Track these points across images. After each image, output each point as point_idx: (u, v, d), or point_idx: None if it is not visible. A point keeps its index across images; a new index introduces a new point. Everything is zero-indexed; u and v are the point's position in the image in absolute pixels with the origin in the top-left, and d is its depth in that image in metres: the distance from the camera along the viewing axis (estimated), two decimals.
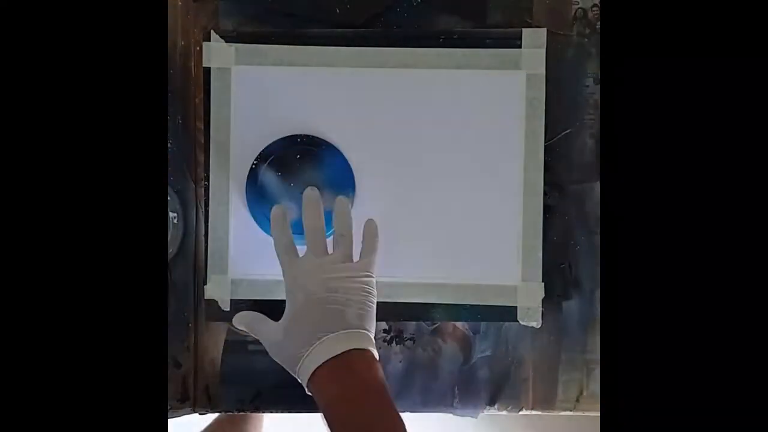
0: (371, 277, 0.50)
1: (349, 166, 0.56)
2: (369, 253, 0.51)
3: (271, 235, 0.51)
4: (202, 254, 0.57)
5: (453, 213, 0.56)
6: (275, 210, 0.51)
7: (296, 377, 0.48)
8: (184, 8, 0.57)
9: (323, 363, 0.46)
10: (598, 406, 0.50)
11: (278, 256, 0.51)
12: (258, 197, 0.55)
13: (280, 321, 0.50)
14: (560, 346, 0.57)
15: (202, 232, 0.57)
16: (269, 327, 0.51)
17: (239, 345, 0.57)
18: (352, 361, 0.46)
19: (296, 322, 0.48)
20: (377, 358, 0.48)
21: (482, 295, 0.56)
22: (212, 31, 0.56)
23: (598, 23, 0.57)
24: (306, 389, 0.48)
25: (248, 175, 0.55)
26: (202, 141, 0.57)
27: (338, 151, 0.56)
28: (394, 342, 0.57)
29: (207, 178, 0.56)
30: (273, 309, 0.56)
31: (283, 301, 0.56)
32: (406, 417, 0.48)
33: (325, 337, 0.46)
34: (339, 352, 0.46)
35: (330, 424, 0.46)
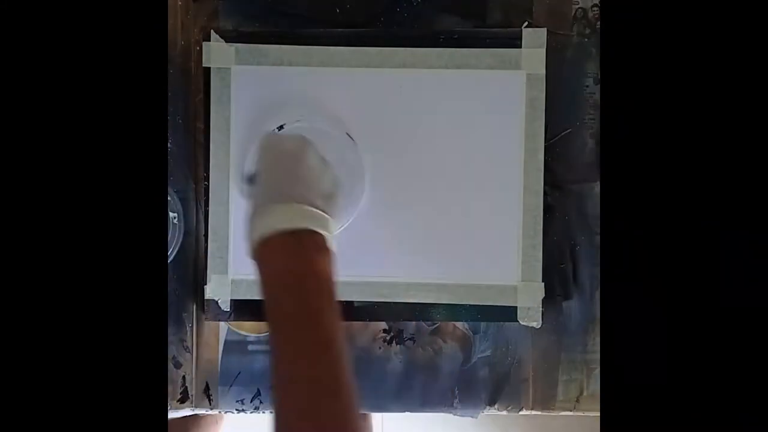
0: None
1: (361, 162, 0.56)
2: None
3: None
4: (202, 254, 0.57)
5: (453, 213, 0.56)
6: None
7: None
8: (184, 8, 0.57)
9: (274, 233, 0.41)
10: (598, 406, 0.50)
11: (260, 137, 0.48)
12: None
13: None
14: (560, 346, 0.57)
15: (202, 232, 0.57)
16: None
17: (239, 345, 0.57)
18: (304, 240, 0.41)
19: (262, 180, 0.44)
20: (334, 252, 0.43)
21: (482, 294, 0.56)
22: (212, 31, 0.56)
23: (598, 23, 0.57)
24: (252, 259, 0.43)
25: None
26: (202, 141, 0.57)
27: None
28: (393, 342, 0.57)
29: (207, 178, 0.56)
30: None
31: None
32: (407, 417, 0.48)
33: (281, 205, 0.42)
34: (294, 227, 0.41)
35: (267, 305, 0.41)
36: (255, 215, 0.43)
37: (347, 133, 0.55)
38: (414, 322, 0.57)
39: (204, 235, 0.57)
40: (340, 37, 0.56)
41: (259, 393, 0.57)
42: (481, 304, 0.56)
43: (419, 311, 0.57)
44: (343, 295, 0.56)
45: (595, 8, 0.57)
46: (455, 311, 0.57)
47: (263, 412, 0.57)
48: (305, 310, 0.40)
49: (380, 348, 0.57)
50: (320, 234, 0.42)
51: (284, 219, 0.42)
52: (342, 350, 0.39)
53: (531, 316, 0.56)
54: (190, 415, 0.59)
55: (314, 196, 0.44)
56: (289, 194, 0.43)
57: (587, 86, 0.57)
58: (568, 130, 0.57)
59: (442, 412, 0.58)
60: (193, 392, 0.57)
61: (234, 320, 0.57)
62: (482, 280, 0.57)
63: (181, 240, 0.56)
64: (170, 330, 0.56)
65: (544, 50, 0.56)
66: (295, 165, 0.45)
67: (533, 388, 0.57)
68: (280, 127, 0.54)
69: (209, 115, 0.56)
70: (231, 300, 0.56)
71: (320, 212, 0.43)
